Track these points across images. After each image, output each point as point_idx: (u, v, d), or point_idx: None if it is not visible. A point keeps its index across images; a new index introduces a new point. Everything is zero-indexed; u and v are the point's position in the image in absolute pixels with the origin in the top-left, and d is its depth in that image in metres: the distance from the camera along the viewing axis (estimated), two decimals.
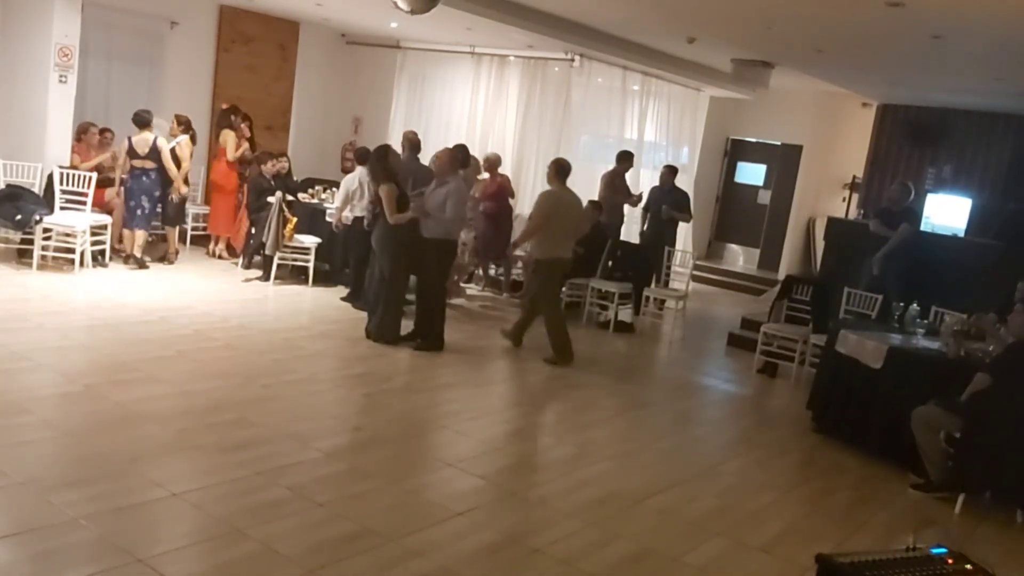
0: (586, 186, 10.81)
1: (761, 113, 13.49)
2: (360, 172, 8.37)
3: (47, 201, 8.27)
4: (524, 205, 10.94)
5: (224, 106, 10.18)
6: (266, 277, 8.97)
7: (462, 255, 9.40)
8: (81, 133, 9.03)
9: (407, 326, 7.33)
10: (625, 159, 10.43)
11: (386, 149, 7.47)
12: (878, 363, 5.96)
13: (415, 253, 7.08)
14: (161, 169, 8.70)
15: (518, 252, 10.17)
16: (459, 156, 7.57)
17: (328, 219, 8.88)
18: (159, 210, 8.93)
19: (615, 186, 10.25)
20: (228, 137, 9.66)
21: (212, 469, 4.38)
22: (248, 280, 8.92)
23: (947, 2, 6.01)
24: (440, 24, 9.70)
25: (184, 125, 9.17)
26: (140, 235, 8.75)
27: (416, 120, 12.10)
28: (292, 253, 8.95)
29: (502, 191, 9.71)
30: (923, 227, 9.31)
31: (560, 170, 7.41)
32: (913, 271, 8.19)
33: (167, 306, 7.49)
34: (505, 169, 10.25)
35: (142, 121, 8.61)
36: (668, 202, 10.35)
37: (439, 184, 7.13)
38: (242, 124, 9.83)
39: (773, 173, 14.03)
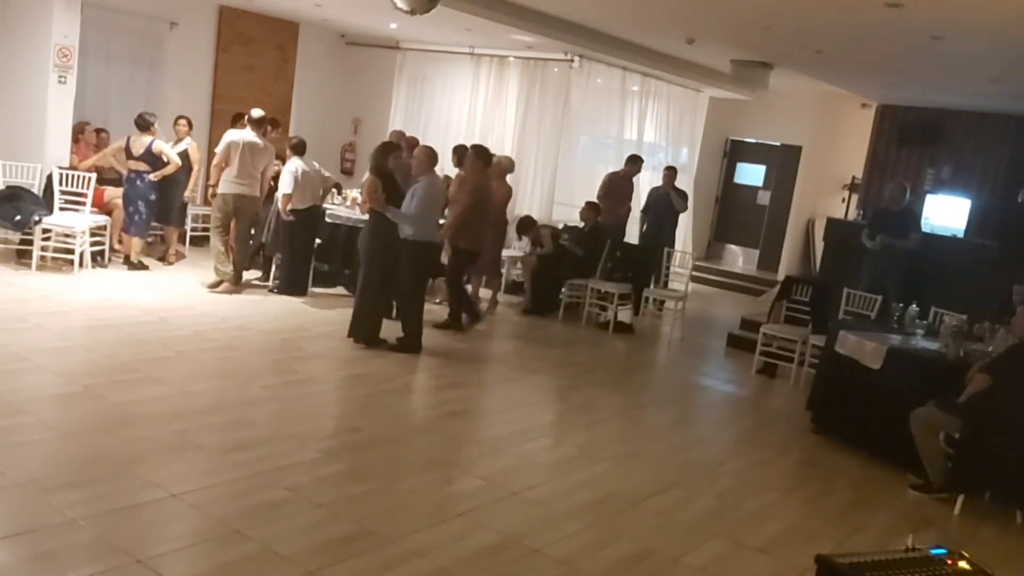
0: (586, 187, 10.84)
1: (760, 114, 13.49)
2: (296, 163, 8.30)
3: (46, 202, 8.26)
4: (523, 208, 10.94)
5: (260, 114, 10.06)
6: (266, 277, 8.97)
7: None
8: (78, 133, 9.03)
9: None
10: (632, 162, 10.43)
11: (390, 147, 7.49)
12: (877, 364, 5.96)
13: (394, 255, 7.06)
14: (156, 171, 8.66)
15: (511, 253, 10.13)
16: (434, 155, 7.46)
17: (327, 219, 8.87)
18: (162, 209, 8.93)
19: (612, 188, 10.25)
20: None
21: (211, 470, 4.38)
22: (247, 281, 8.91)
23: (947, 3, 6.02)
24: (440, 25, 9.71)
25: (190, 126, 9.18)
26: (136, 242, 8.73)
27: (415, 121, 12.10)
28: None
29: (506, 201, 9.39)
30: (922, 228, 9.31)
31: (251, 119, 8.49)
32: (913, 272, 8.26)
33: (166, 307, 7.49)
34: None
35: (144, 124, 8.57)
36: (668, 202, 10.39)
37: (415, 183, 7.12)
38: (272, 133, 9.52)
39: (772, 174, 14.03)
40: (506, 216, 9.48)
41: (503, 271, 10.42)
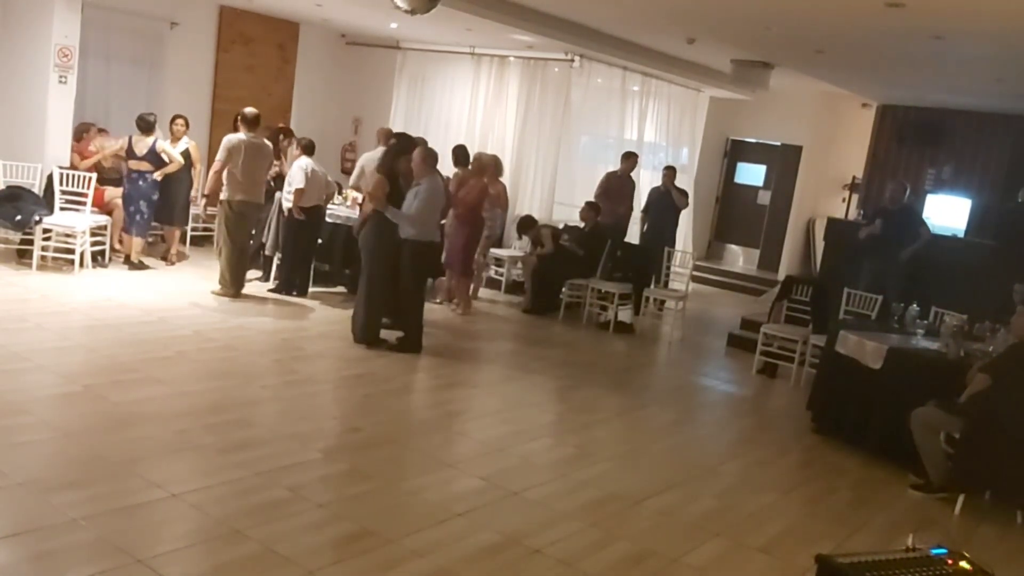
0: (586, 187, 10.84)
1: (761, 114, 13.49)
2: (307, 162, 8.29)
3: (47, 201, 8.26)
4: (523, 207, 10.94)
5: (280, 125, 10.05)
6: (266, 277, 8.96)
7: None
8: (82, 132, 9.03)
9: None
10: (628, 159, 10.45)
11: (402, 151, 7.47)
12: (878, 364, 5.96)
13: (395, 256, 7.05)
14: (158, 171, 8.66)
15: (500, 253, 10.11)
16: (433, 156, 7.42)
17: (327, 219, 8.87)
18: (163, 209, 8.94)
19: (609, 188, 10.25)
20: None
21: (212, 470, 4.38)
22: (248, 280, 8.91)
23: (947, 2, 6.01)
24: (440, 25, 9.71)
25: (187, 126, 9.17)
26: (137, 242, 8.73)
27: (416, 121, 12.10)
28: None
29: (480, 198, 8.96)
30: (925, 223, 9.33)
31: (245, 119, 8.07)
32: (913, 272, 8.28)
33: (167, 306, 7.49)
34: (504, 170, 10.12)
35: (147, 125, 8.57)
36: (668, 202, 10.40)
37: (415, 186, 7.12)
38: (284, 142, 9.49)
39: (773, 174, 14.03)
40: (481, 214, 9.05)
41: (503, 271, 10.45)
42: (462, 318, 8.75)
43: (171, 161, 8.69)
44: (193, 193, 9.38)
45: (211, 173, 8.09)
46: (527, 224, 9.87)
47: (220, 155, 7.95)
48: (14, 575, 3.24)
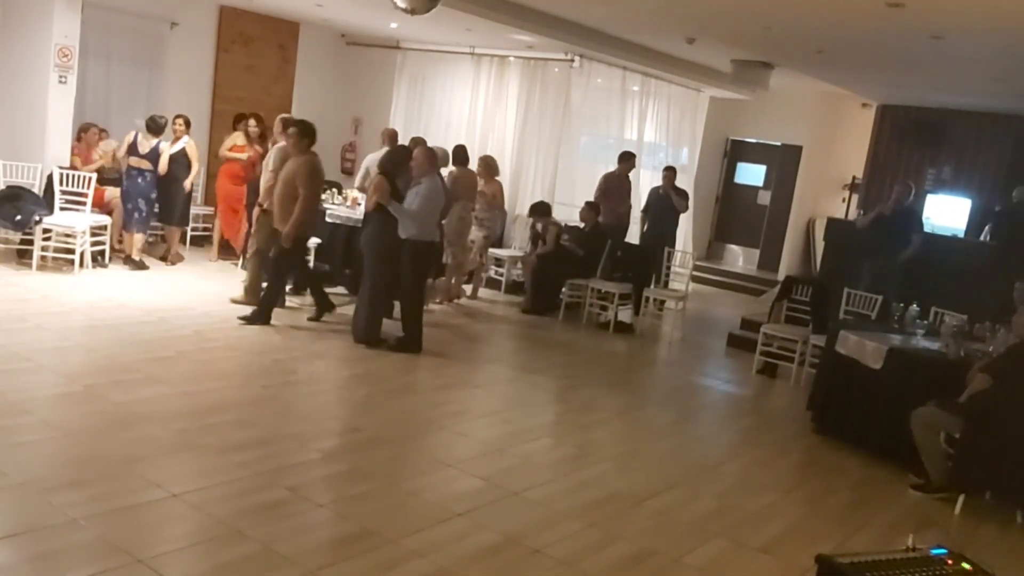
0: (586, 187, 10.84)
1: (761, 114, 13.49)
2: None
3: (47, 201, 8.27)
4: (524, 208, 10.92)
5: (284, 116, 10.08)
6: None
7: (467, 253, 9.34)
8: (82, 132, 9.04)
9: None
10: (625, 160, 10.44)
11: (406, 153, 7.45)
12: (878, 364, 5.96)
13: (397, 256, 7.05)
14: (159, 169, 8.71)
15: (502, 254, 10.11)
16: (435, 156, 7.38)
17: (327, 219, 8.87)
18: (156, 210, 8.94)
19: (608, 189, 10.26)
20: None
21: (212, 470, 4.38)
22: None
23: (947, 2, 6.02)
24: (440, 25, 9.71)
25: (188, 125, 9.18)
26: (138, 238, 8.75)
27: (416, 121, 12.10)
28: None
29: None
30: (923, 228, 9.34)
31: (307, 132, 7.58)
32: (913, 272, 8.28)
33: (167, 307, 7.49)
34: (504, 171, 10.09)
35: (157, 128, 8.64)
36: (668, 202, 10.40)
37: (416, 184, 7.12)
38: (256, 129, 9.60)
39: (773, 174, 14.03)
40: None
41: (503, 271, 10.44)
42: (465, 318, 8.75)
43: (185, 160, 8.90)
44: (188, 185, 9.24)
45: (266, 186, 7.72)
46: (542, 209, 9.78)
47: (275, 166, 7.65)
48: (14, 575, 3.24)
